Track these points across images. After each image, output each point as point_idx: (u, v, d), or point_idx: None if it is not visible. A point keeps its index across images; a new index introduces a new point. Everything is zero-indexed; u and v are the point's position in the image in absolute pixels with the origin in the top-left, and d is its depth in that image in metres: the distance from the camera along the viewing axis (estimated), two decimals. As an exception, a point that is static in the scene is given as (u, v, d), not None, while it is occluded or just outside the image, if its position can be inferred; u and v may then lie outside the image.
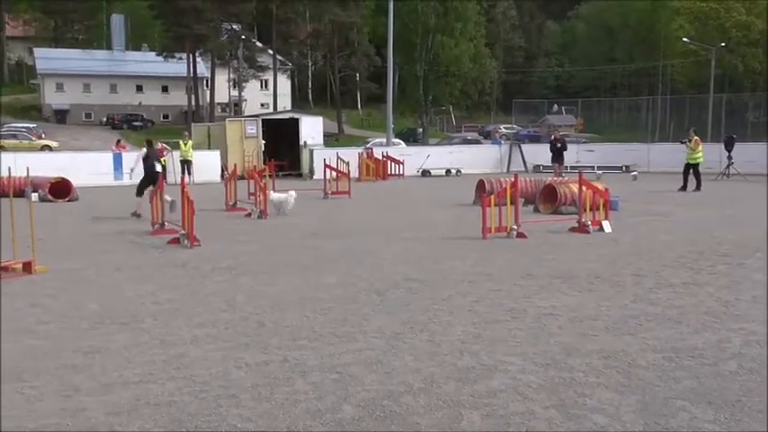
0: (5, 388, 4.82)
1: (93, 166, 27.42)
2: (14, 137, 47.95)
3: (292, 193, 16.31)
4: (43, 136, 50.91)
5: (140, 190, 15.91)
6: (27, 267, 8.91)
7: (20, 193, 16.43)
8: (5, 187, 18.62)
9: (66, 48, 74.06)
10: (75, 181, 21.47)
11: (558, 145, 27.85)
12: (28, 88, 74.88)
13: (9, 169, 10.15)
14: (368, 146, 38.48)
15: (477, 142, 49.56)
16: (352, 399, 4.59)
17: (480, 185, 17.74)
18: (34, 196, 17.47)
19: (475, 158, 34.92)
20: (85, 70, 69.11)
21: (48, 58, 69.61)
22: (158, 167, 16.08)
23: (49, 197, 19.83)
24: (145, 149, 16.63)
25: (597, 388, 4.74)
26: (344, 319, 6.61)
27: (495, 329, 6.20)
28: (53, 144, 47.69)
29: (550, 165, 28.59)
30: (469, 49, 62.43)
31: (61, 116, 67.11)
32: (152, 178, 15.30)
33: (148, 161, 16.13)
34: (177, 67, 65.32)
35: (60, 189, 20.37)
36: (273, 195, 16.03)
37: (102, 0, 79.01)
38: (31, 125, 55.78)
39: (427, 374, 5.03)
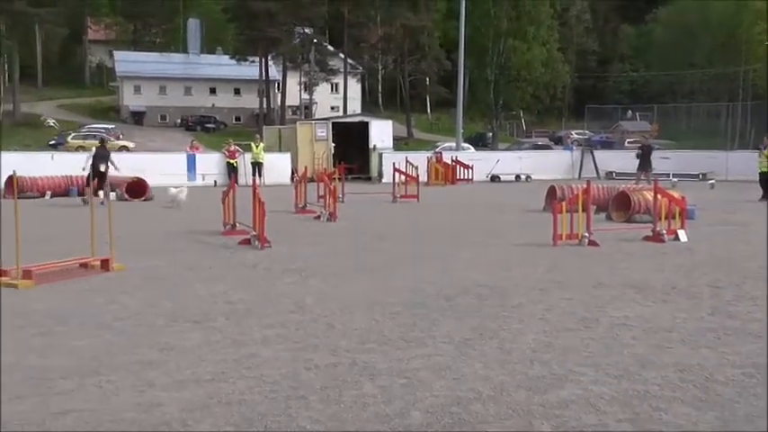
0: (85, 382, 4.96)
1: (167, 167, 28.07)
2: (94, 137, 49.46)
3: (184, 189, 18.46)
4: (121, 137, 52.41)
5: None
6: (105, 265, 9.17)
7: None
8: (85, 186, 19.20)
9: (144, 51, 76.08)
10: (151, 181, 22.01)
11: (643, 151, 26.26)
12: (108, 90, 77.19)
13: (87, 169, 10.45)
14: (437, 150, 38.40)
15: (547, 148, 48.95)
16: (420, 404, 4.57)
17: (551, 192, 17.50)
18: (112, 195, 17.99)
19: (545, 164, 34.47)
20: (162, 73, 70.91)
21: (126, 61, 71.67)
22: (102, 167, 18.59)
23: (126, 196, 20.37)
24: (94, 149, 19.51)
25: (673, 402, 4.60)
26: (413, 324, 6.59)
27: (566, 338, 6.09)
28: (130, 145, 49.04)
29: (634, 172, 26.43)
30: (542, 53, 61.64)
31: (138, 118, 68.96)
32: (96, 175, 17.63)
33: (95, 160, 18.56)
34: (250, 70, 66.44)
35: (136, 188, 20.92)
36: (171, 190, 18.42)
37: (180, 3, 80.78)
38: (110, 126, 57.48)
39: (497, 382, 4.97)
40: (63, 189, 21.90)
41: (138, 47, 78.03)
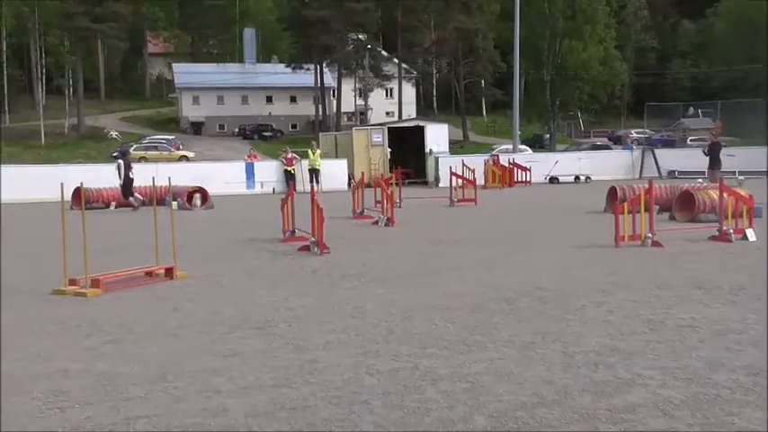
0: (153, 388, 5.06)
1: (226, 176, 28.53)
2: (155, 148, 50.66)
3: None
4: (181, 147, 53.48)
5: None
6: (169, 273, 9.35)
7: (162, 202, 17.31)
8: (148, 196, 19.66)
9: (201, 62, 77.51)
10: (211, 190, 22.38)
11: (712, 149, 24.84)
12: (167, 102, 78.86)
13: (153, 179, 10.68)
14: (494, 153, 38.18)
15: (606, 148, 48.20)
16: (484, 409, 4.54)
17: (612, 192, 17.22)
18: (174, 204, 18.36)
19: (605, 164, 33.95)
20: (219, 83, 72.12)
21: (185, 73, 73.12)
22: (131, 175, 21.14)
23: (187, 205, 20.75)
24: (122, 161, 21.64)
25: (746, 407, 4.47)
26: (474, 328, 6.55)
27: (631, 341, 5.97)
28: (190, 154, 50.00)
29: (701, 171, 25.27)
30: (599, 52, 60.76)
31: (197, 128, 70.26)
32: (129, 183, 20.94)
33: (128, 170, 21.18)
34: (305, 77, 67.10)
35: (197, 197, 21.28)
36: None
37: (236, 13, 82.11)
38: (170, 137, 58.71)
39: (561, 386, 4.91)
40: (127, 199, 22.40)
41: (196, 58, 79.52)
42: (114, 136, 61.86)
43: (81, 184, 9.95)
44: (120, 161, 21.79)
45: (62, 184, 9.04)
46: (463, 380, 5.10)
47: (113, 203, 22.02)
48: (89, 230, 8.75)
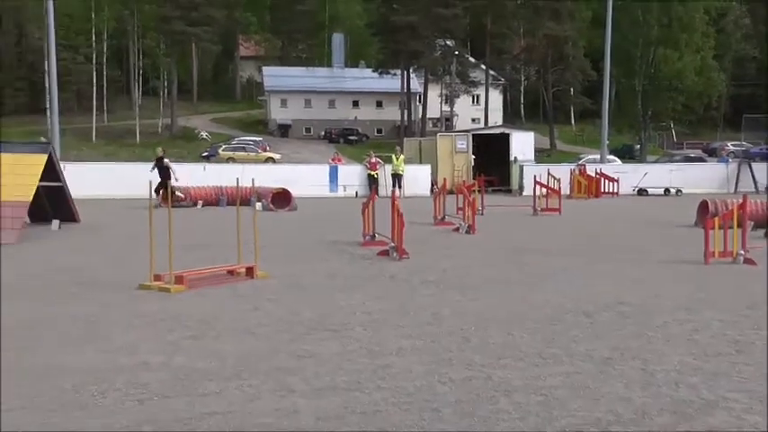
0: (228, 385, 5.15)
1: (311, 178, 28.91)
2: (243, 149, 51.81)
3: None
4: (268, 149, 54.51)
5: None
6: (250, 272, 9.52)
7: (246, 202, 17.68)
8: (234, 196, 20.10)
9: (290, 66, 78.90)
10: (295, 191, 22.71)
11: None
12: (256, 104, 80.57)
13: (237, 180, 10.91)
14: (581, 162, 37.50)
15: (700, 160, 46.69)
16: (556, 423, 4.44)
17: (703, 206, 16.65)
18: (258, 205, 18.72)
19: (698, 177, 32.86)
20: (307, 87, 73.25)
21: (274, 76, 74.56)
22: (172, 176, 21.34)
23: (271, 206, 21.11)
24: (167, 160, 22.28)
25: (837, 436, 4.24)
26: (551, 340, 6.43)
27: (716, 362, 5.75)
28: (276, 156, 50.89)
29: None
30: (695, 61, 58.87)
31: (284, 130, 71.49)
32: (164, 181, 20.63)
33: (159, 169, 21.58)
34: (391, 82, 67.48)
35: (281, 199, 21.64)
36: None
37: (326, 18, 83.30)
38: (258, 138, 59.95)
39: (639, 405, 4.76)
40: (214, 199, 22.97)
41: (286, 62, 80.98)
42: (205, 136, 63.57)
43: (168, 182, 10.23)
44: (167, 160, 22.47)
45: (150, 182, 9.35)
46: (537, 392, 5.01)
47: (200, 202, 22.59)
48: (175, 228, 9.00)
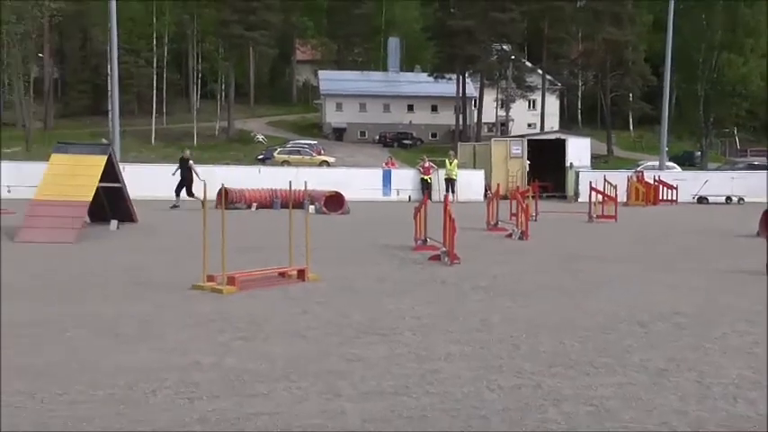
0: (277, 386, 5.18)
1: (364, 182, 28.99)
2: (298, 152, 52.26)
3: None
4: (322, 152, 54.88)
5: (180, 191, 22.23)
6: (301, 275, 9.57)
7: (299, 205, 17.80)
8: (288, 199, 20.27)
9: (346, 70, 79.35)
10: (348, 195, 22.79)
11: None
12: (312, 107, 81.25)
13: (290, 183, 10.99)
14: (638, 169, 36.85)
15: (765, 168, 45.41)
16: (607, 435, 4.35)
17: (766, 216, 16.18)
18: (311, 208, 18.84)
19: (761, 186, 31.93)
20: (362, 91, 73.56)
21: (330, 80, 75.12)
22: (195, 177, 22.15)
23: (324, 209, 21.22)
24: (191, 161, 22.89)
25: None
26: (603, 349, 6.31)
27: (776, 376, 5.56)
28: (330, 160, 51.20)
29: None
30: (761, 66, 57.30)
31: (339, 134, 71.92)
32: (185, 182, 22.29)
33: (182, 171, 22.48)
34: (447, 87, 67.36)
35: (334, 202, 21.74)
36: None
37: (382, 22, 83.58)
38: (313, 142, 60.41)
39: (693, 418, 4.63)
40: (268, 201, 23.20)
41: (341, 66, 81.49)
42: (260, 139, 64.34)
43: (222, 185, 10.37)
44: (191, 162, 23.02)
45: (204, 184, 9.49)
46: (587, 402, 4.91)
47: (255, 204, 22.84)
48: (229, 229, 9.10)
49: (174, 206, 21.81)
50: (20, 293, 8.42)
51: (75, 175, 14.62)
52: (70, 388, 5.02)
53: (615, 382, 5.39)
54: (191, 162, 22.84)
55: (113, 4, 28.98)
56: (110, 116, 33.03)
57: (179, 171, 22.64)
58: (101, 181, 15.02)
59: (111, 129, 30.49)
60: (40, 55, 62.62)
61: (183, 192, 22.38)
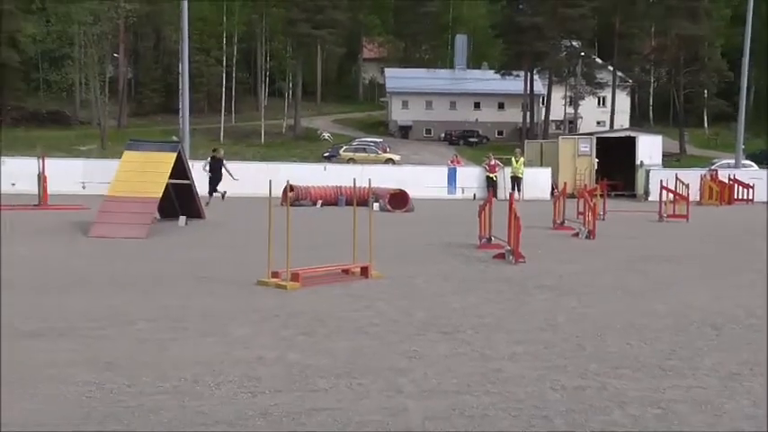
0: (338, 382, 5.20)
1: (429, 180, 28.90)
2: (363, 150, 52.47)
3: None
4: (388, 150, 54.94)
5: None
6: (364, 272, 9.60)
7: (363, 202, 17.84)
8: (352, 196, 20.35)
9: (412, 67, 79.30)
10: (413, 193, 22.75)
11: None
12: (378, 105, 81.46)
13: (354, 180, 11.03)
14: (713, 167, 35.80)
15: None
16: (675, 440, 4.24)
17: None
18: (376, 206, 18.87)
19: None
20: (428, 88, 73.35)
21: (396, 78, 75.10)
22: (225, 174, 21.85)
23: (389, 207, 21.24)
24: (209, 159, 22.37)
25: None
26: (672, 352, 6.15)
27: None
28: (395, 158, 51.22)
29: None
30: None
31: (404, 132, 71.89)
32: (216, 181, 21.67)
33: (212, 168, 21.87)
34: (514, 84, 66.67)
35: (398, 200, 21.73)
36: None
37: (449, 20, 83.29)
38: (378, 140, 60.53)
39: (766, 424, 4.46)
40: (333, 198, 23.34)
41: (408, 64, 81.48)
42: (326, 137, 64.81)
43: (287, 182, 10.48)
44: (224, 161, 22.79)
45: (270, 182, 9.57)
46: (655, 405, 4.80)
47: (320, 201, 23.00)
48: (294, 226, 9.18)
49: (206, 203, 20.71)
50: (91, 287, 8.67)
51: (146, 171, 14.97)
52: (138, 380, 5.14)
53: (684, 384, 5.25)
54: (224, 162, 22.58)
55: (185, 5, 29.59)
56: (180, 114, 33.72)
57: (210, 169, 22.07)
58: (170, 178, 15.34)
59: (182, 126, 31.11)
60: (116, 55, 64.31)
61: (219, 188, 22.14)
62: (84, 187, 24.93)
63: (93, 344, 6.10)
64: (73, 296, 8.04)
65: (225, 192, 21.81)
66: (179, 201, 16.50)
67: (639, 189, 31.35)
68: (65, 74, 56.40)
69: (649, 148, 33.15)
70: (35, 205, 19.14)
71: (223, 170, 21.98)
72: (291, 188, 13.74)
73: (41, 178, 20.10)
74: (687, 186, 23.14)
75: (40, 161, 20.48)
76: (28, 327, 6.59)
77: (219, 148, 24.56)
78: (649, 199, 28.14)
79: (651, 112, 78.23)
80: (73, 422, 4.37)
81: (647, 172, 30.80)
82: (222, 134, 62.57)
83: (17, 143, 47.40)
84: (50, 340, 6.19)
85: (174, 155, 15.50)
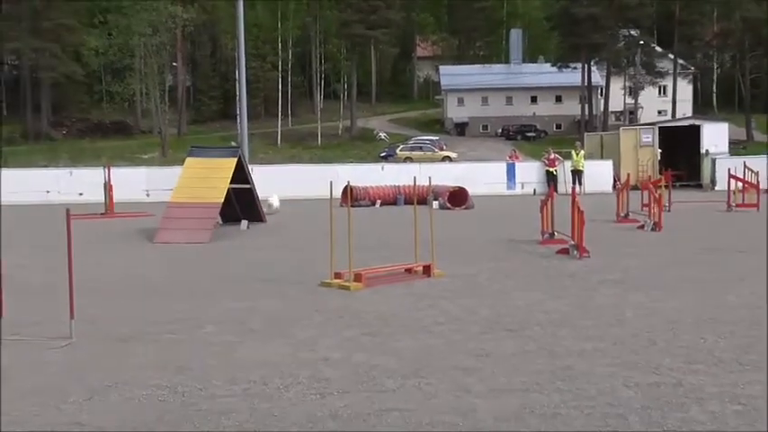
0: (406, 382, 5.17)
1: (487, 176, 28.69)
2: (420, 149, 52.37)
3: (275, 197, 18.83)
4: (444, 147, 54.71)
5: None
6: (426, 270, 9.56)
7: (423, 201, 17.80)
8: (411, 195, 20.34)
9: (467, 64, 78.84)
10: (471, 190, 22.61)
11: None
12: (433, 103, 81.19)
13: (414, 178, 11.00)
14: (782, 154, 34.68)
15: None
16: (757, 436, 4.09)
17: None
18: (435, 204, 18.80)
19: None
20: (484, 84, 72.81)
21: (451, 75, 74.76)
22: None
23: (448, 205, 21.15)
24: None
25: None
26: (749, 345, 5.95)
27: None
28: (452, 155, 50.99)
29: None
30: None
31: (461, 129, 71.50)
32: None
33: None
34: (571, 76, 65.67)
35: (458, 197, 21.63)
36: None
37: (503, 14, 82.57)
38: (434, 138, 60.32)
39: None
40: (392, 198, 23.36)
41: (462, 60, 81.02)
42: (383, 137, 64.89)
43: (347, 182, 10.50)
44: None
45: (331, 183, 9.60)
46: (734, 401, 4.64)
47: (379, 201, 23.04)
48: (355, 227, 9.20)
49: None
50: (158, 292, 8.83)
51: (208, 177, 15.20)
52: (208, 383, 5.20)
53: (764, 379, 5.06)
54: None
55: (240, 12, 29.97)
56: (238, 120, 34.15)
57: None
58: (231, 183, 15.54)
59: (240, 132, 31.47)
60: (174, 64, 65.52)
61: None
62: (148, 195, 25.48)
63: (164, 348, 6.21)
64: (141, 301, 8.19)
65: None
66: (240, 205, 16.72)
67: (705, 178, 30.58)
68: (126, 85, 57.69)
69: (714, 136, 32.31)
70: (102, 213, 19.64)
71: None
72: (351, 189, 13.81)
73: (107, 187, 20.61)
74: (756, 174, 22.47)
75: (106, 171, 21.00)
76: (99, 332, 6.74)
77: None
78: (716, 188, 27.44)
79: (715, 100, 76.21)
80: (147, 425, 4.44)
81: (713, 161, 30.03)
82: (279, 138, 63.21)
83: (83, 154, 48.78)
84: (122, 345, 6.31)
85: (235, 160, 15.71)
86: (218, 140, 52.77)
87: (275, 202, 19.80)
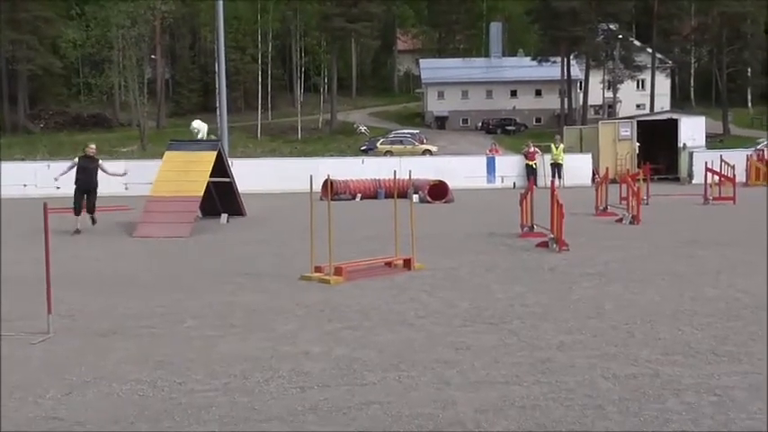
0: (387, 375, 5.18)
1: (467, 170, 28.74)
2: (400, 142, 52.39)
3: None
4: (425, 141, 54.79)
5: (76, 205, 14.69)
6: (407, 264, 9.57)
7: (403, 195, 17.82)
8: (392, 189, 20.35)
9: (447, 57, 78.93)
10: (452, 183, 22.64)
11: None
12: (413, 97, 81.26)
13: (395, 172, 11.00)
14: (758, 147, 35.06)
15: None
16: (733, 425, 4.15)
17: None
18: (415, 198, 18.82)
19: None
20: (464, 78, 72.95)
21: (431, 68, 74.83)
22: (88, 184, 14.63)
23: (428, 198, 21.17)
24: (77, 159, 15.13)
25: None
26: (725, 337, 6.03)
27: None
28: (433, 149, 51.04)
29: None
30: None
31: (441, 122, 71.62)
32: (83, 189, 14.57)
33: (84, 173, 14.65)
34: (551, 70, 65.96)
35: (438, 191, 21.65)
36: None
37: (483, 8, 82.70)
38: (415, 131, 60.38)
39: (828, 410, 4.35)
40: (372, 191, 23.35)
41: (443, 54, 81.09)
42: (363, 131, 64.83)
43: (328, 176, 10.48)
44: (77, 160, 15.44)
45: (311, 177, 9.59)
46: (710, 392, 4.70)
47: (359, 195, 23.02)
48: (335, 220, 9.19)
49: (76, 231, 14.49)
50: (138, 286, 8.78)
51: (188, 171, 15.12)
52: (189, 377, 5.19)
53: (740, 370, 5.14)
54: (100, 161, 15.48)
55: (220, 4, 29.78)
56: (218, 113, 33.97)
57: (80, 170, 14.87)
58: (211, 176, 15.46)
59: (220, 125, 31.33)
60: (153, 57, 65.03)
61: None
62: (126, 188, 25.23)
63: (144, 342, 6.18)
64: (121, 296, 8.14)
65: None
66: (220, 199, 16.65)
67: (683, 172, 30.82)
68: (105, 77, 57.24)
69: (692, 129, 32.57)
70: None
71: (100, 172, 14.90)
72: (332, 183, 13.83)
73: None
74: (733, 168, 22.69)
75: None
76: (78, 327, 6.70)
77: (92, 143, 16.08)
78: (693, 182, 27.67)
79: (692, 94, 76.84)
80: (127, 420, 4.43)
81: (691, 154, 30.28)
82: (259, 131, 62.98)
83: (61, 148, 48.29)
84: (102, 339, 6.28)
85: (214, 153, 15.64)
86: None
87: (202, 128, 20.28)
